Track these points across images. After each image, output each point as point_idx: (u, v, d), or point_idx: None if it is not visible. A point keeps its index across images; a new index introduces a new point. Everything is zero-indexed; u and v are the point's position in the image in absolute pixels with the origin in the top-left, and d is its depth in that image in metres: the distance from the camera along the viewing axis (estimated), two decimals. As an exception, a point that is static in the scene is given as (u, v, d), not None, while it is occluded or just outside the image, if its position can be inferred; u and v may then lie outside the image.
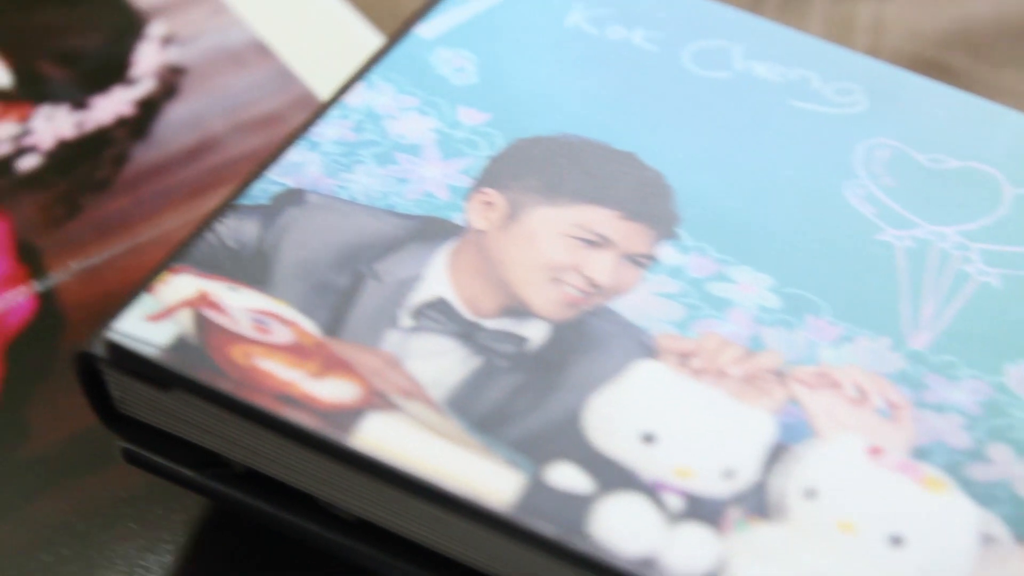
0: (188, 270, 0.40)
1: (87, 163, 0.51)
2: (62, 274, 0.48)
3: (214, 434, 0.39)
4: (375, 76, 0.46)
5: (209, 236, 0.41)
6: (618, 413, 0.38)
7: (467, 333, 0.40)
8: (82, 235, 0.49)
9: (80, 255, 0.48)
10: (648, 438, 0.38)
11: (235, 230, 0.41)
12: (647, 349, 0.40)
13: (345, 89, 0.45)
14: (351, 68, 0.51)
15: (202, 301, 0.39)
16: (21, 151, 0.52)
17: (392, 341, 0.39)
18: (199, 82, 0.53)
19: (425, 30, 0.47)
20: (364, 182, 0.43)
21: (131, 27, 0.55)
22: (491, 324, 0.40)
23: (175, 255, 0.40)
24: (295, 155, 0.43)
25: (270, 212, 0.42)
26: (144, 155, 0.51)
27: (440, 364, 0.39)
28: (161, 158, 0.51)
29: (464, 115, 0.45)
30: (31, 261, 0.48)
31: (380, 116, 0.45)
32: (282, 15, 0.55)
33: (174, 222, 0.49)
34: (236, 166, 0.50)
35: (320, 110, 0.45)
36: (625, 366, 0.39)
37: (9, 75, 0.54)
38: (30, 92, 0.53)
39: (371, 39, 0.55)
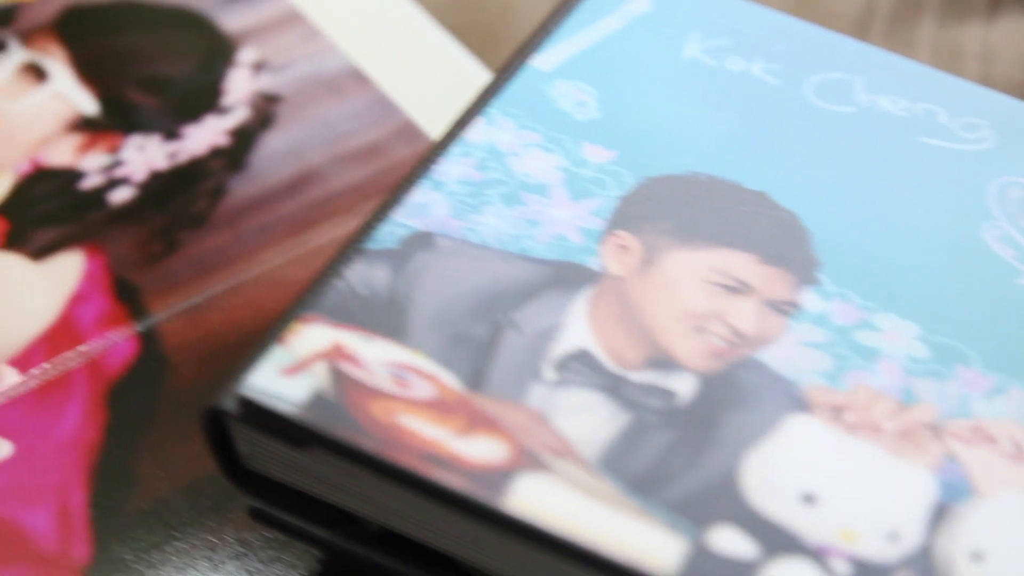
0: (320, 319, 0.38)
1: (183, 196, 0.49)
2: (163, 314, 0.46)
3: (349, 492, 0.37)
4: (494, 110, 0.44)
5: (339, 283, 0.39)
6: (776, 472, 0.36)
7: (613, 387, 0.38)
8: (181, 273, 0.47)
9: (180, 294, 0.46)
10: (809, 499, 0.36)
11: (365, 277, 0.39)
12: (798, 403, 0.38)
13: (463, 123, 0.44)
14: (451, 95, 0.50)
15: (337, 353, 0.37)
16: (113, 183, 0.49)
17: (537, 396, 0.37)
18: (295, 111, 0.51)
19: (541, 62, 0.46)
20: (493, 224, 0.41)
21: (221, 53, 0.53)
22: (637, 377, 0.38)
23: (304, 303, 0.39)
24: (420, 195, 0.41)
25: (400, 257, 0.40)
26: (242, 188, 0.49)
27: (588, 420, 0.37)
28: (260, 191, 0.49)
29: (590, 152, 0.43)
30: (129, 300, 0.46)
31: (503, 153, 0.43)
32: (377, 40, 0.53)
33: (277, 259, 0.47)
34: (339, 200, 0.48)
35: (439, 146, 0.43)
36: (778, 421, 0.38)
37: (95, 103, 0.52)
38: (119, 121, 0.51)
39: (469, 65, 0.52)
